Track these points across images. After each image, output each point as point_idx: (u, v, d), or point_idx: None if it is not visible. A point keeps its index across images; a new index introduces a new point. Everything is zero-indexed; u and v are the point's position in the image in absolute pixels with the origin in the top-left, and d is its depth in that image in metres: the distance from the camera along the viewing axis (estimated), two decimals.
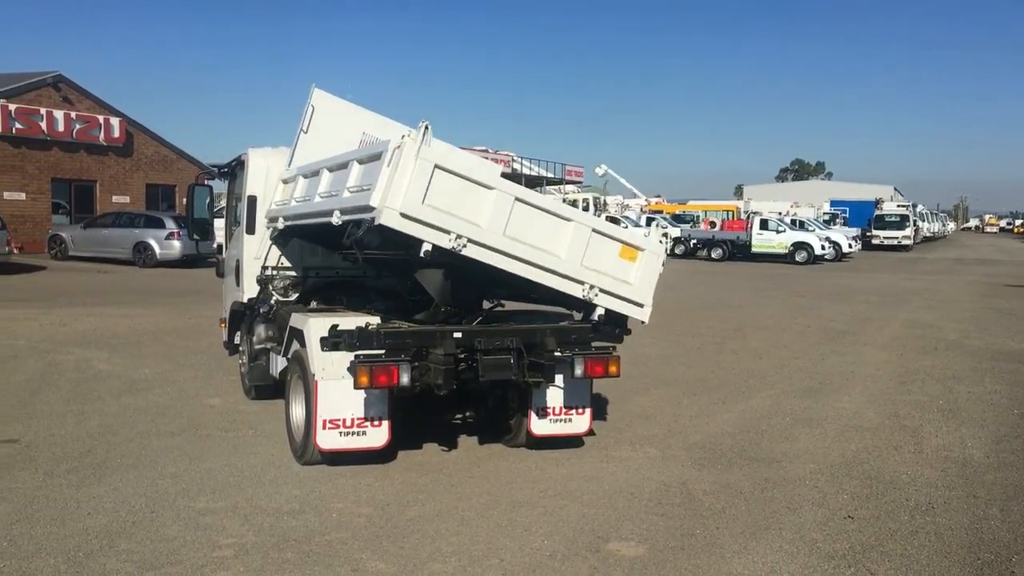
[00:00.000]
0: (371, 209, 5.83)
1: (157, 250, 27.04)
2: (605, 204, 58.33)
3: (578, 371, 6.87)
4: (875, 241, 52.52)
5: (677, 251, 41.30)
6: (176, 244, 26.85)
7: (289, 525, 5.75)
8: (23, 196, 31.44)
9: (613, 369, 6.98)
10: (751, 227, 39.29)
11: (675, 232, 42.01)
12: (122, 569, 4.98)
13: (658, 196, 76.60)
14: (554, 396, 7.39)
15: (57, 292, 20.32)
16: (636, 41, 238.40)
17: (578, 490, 6.65)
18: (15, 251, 28.77)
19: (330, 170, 7.12)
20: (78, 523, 5.68)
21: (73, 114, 32.68)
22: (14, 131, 30.76)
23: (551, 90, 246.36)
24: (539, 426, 7.42)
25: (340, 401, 6.69)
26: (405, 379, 6.30)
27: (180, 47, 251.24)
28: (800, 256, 38.15)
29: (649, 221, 44.36)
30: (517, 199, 6.29)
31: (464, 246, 6.06)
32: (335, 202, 6.62)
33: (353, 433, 6.79)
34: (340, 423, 6.74)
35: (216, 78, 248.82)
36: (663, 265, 7.06)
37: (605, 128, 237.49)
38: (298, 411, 7.20)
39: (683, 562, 5.38)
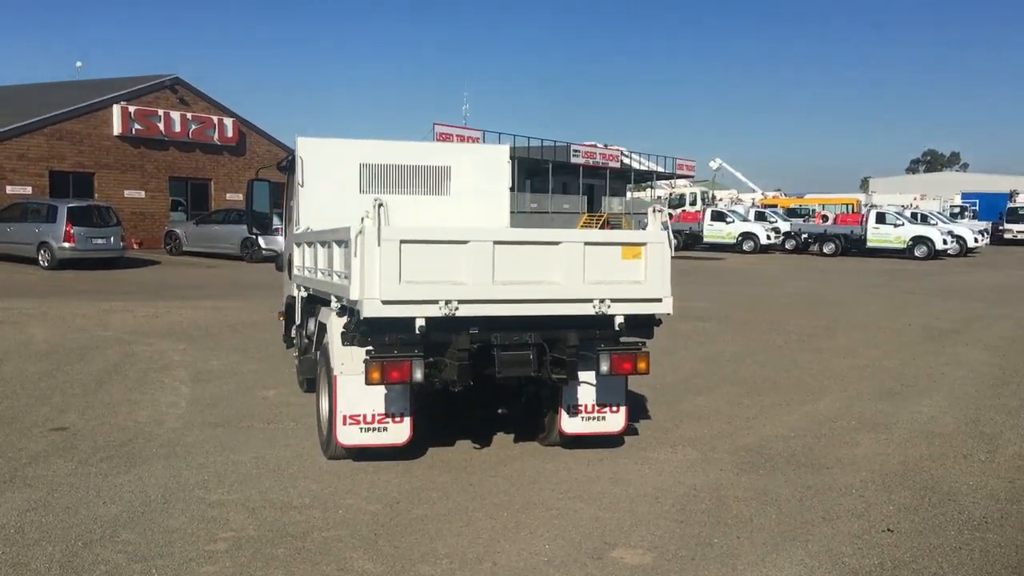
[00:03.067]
0: (355, 302, 6.00)
1: (263, 244, 27.76)
2: (714, 198, 56.99)
3: (604, 368, 6.58)
4: (1007, 236, 49.57)
5: (787, 246, 40.01)
6: (279, 239, 27.49)
7: (292, 520, 5.70)
8: (143, 194, 32.91)
9: (642, 365, 6.66)
10: (866, 221, 37.63)
11: (785, 227, 40.65)
12: (112, 560, 5.01)
13: (777, 190, 74.25)
14: (586, 393, 7.13)
15: (162, 286, 21.15)
16: (759, 29, 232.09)
17: (600, 493, 6.38)
18: (135, 246, 30.23)
19: (321, 244, 7.34)
20: (90, 511, 5.77)
21: (189, 115, 34.02)
22: (134, 132, 32.23)
23: (667, 82, 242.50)
24: (570, 424, 7.17)
25: (360, 397, 6.60)
26: (418, 375, 6.15)
27: (293, 48, 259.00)
28: (920, 251, 36.35)
29: (759, 216, 43.09)
30: (496, 243, 6.21)
31: (456, 309, 6.06)
32: (332, 287, 6.79)
33: (374, 429, 6.70)
34: (360, 419, 6.66)
35: (326, 77, 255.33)
36: (671, 249, 6.66)
37: (726, 121, 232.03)
38: (324, 405, 7.16)
39: (689, 573, 5.05)
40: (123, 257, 25.81)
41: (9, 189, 28.54)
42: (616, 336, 6.62)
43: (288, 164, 10.16)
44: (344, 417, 6.64)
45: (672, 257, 6.74)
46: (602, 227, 60.61)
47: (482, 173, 9.17)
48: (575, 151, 59.31)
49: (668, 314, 6.76)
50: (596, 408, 7.18)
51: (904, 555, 5.35)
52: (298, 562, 5.04)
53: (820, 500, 6.31)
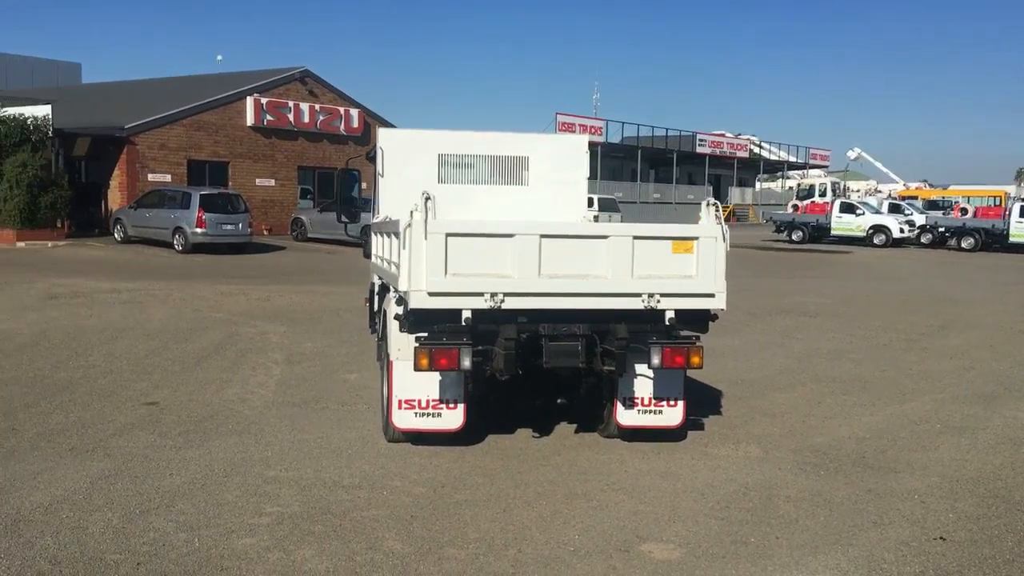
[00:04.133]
0: (404, 293, 6.19)
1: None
2: (845, 189, 54.91)
3: (655, 361, 6.51)
4: None
5: (923, 240, 38.18)
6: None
7: (338, 499, 5.91)
8: (272, 183, 34.29)
9: (695, 360, 6.56)
10: (1009, 214, 35.48)
11: (920, 220, 38.80)
12: (162, 528, 5.33)
13: (923, 181, 70.84)
14: (642, 386, 7.09)
15: (281, 271, 22.06)
16: (913, 11, 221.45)
17: (646, 486, 6.34)
18: (264, 232, 31.59)
19: (384, 235, 7.57)
20: (156, 482, 6.14)
21: (317, 106, 35.21)
22: (265, 123, 33.59)
23: (807, 68, 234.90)
24: (626, 416, 7.14)
25: (415, 382, 6.76)
26: (466, 363, 6.26)
27: (421, 39, 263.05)
28: None
29: (893, 208, 41.30)
30: (542, 236, 6.23)
31: (502, 302, 6.15)
32: (390, 277, 7.00)
33: (428, 414, 6.85)
34: (416, 403, 6.83)
35: (453, 67, 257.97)
36: (726, 243, 6.50)
37: (868, 109, 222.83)
38: (385, 390, 7.37)
39: (714, 571, 4.99)
40: (250, 242, 27.00)
41: (151, 177, 30.24)
42: (668, 330, 6.55)
43: (373, 154, 10.45)
44: (399, 401, 6.83)
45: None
46: (727, 218, 59.43)
47: (560, 163, 9.18)
48: (701, 140, 58.37)
49: (722, 309, 6.62)
50: (653, 401, 7.13)
51: (949, 564, 5.13)
52: (331, 539, 5.24)
53: (876, 504, 6.09)
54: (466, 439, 7.13)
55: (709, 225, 6.55)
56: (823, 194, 48.19)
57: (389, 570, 4.87)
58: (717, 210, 6.65)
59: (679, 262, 6.45)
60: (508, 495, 6.09)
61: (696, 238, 6.46)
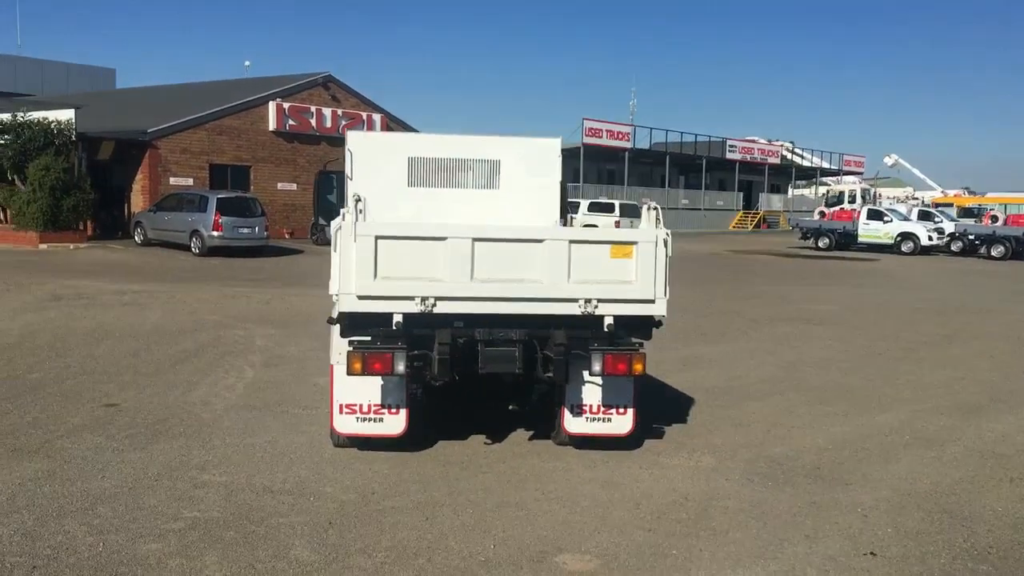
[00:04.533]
0: (334, 296, 6.11)
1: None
2: (877, 196, 54.04)
3: (596, 368, 6.39)
4: None
5: (954, 248, 37.44)
6: None
7: (262, 504, 5.84)
8: (294, 187, 34.48)
9: (638, 367, 6.42)
10: None
11: (950, 227, 38.03)
12: (73, 531, 5.30)
13: (964, 188, 69.54)
14: (591, 393, 6.94)
15: (292, 274, 22.13)
16: (957, 10, 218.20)
17: (583, 495, 6.20)
18: (286, 236, 31.81)
19: None
20: (85, 485, 6.12)
21: (339, 111, 35.38)
22: (288, 127, 33.81)
23: (846, 75, 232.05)
24: (574, 424, 7.01)
25: (356, 386, 6.69)
26: (400, 367, 6.18)
27: (447, 45, 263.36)
28: None
29: (922, 215, 40.56)
30: (475, 240, 6.14)
31: (433, 306, 6.07)
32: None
33: (370, 419, 6.78)
34: (357, 408, 6.75)
35: (480, 73, 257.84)
36: (667, 248, 6.35)
37: (907, 115, 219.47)
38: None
39: None
40: (267, 246, 27.16)
41: (172, 181, 30.56)
42: (611, 337, 6.41)
43: None
44: (340, 406, 6.76)
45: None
46: (757, 225, 58.83)
47: (532, 167, 9.05)
48: (731, 146, 57.88)
49: (663, 316, 6.47)
50: (602, 409, 6.98)
51: None
52: (239, 546, 5.17)
53: (815, 517, 5.90)
54: (414, 445, 7.04)
55: (648, 230, 6.41)
56: (852, 200, 47.48)
57: None
58: (658, 214, 6.50)
59: (618, 267, 6.32)
60: (438, 503, 5.98)
61: (635, 243, 6.32)
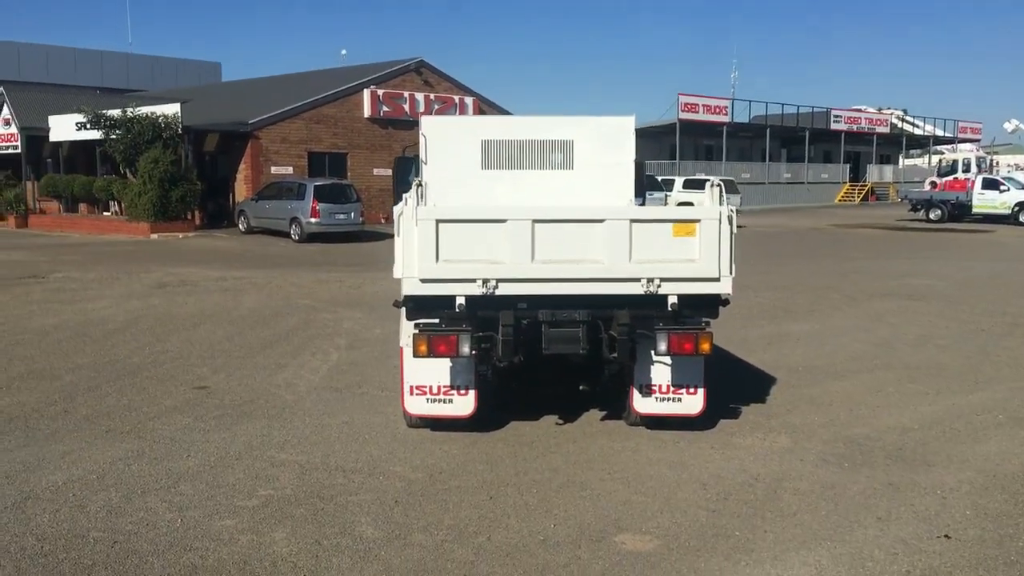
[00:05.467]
0: (399, 280, 6.19)
1: None
2: (993, 164, 51.45)
3: (661, 347, 6.33)
4: None
5: None
6: None
7: (333, 483, 6.01)
8: (390, 172, 35.02)
9: (705, 346, 6.33)
10: None
11: None
12: (154, 508, 5.55)
13: None
14: (660, 373, 6.89)
15: (385, 259, 22.45)
16: None
17: (649, 475, 6.17)
18: (383, 221, 32.37)
19: None
20: (171, 464, 6.41)
21: (432, 96, 35.74)
22: (382, 114, 34.37)
23: (963, 36, 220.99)
24: (643, 404, 6.96)
25: (426, 368, 6.79)
26: (465, 349, 6.25)
27: (535, 29, 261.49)
28: None
29: None
30: (535, 221, 6.14)
31: (495, 288, 6.12)
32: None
33: (439, 400, 6.88)
34: (427, 390, 6.86)
35: (569, 51, 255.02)
36: (732, 225, 6.22)
37: None
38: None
39: (683, 564, 4.82)
40: (363, 231, 27.72)
41: (274, 170, 31.46)
42: (676, 316, 6.33)
43: None
44: (411, 387, 6.88)
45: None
46: (865, 197, 56.88)
47: (606, 145, 8.98)
48: (836, 116, 56.09)
49: (728, 294, 6.35)
50: (671, 389, 6.92)
51: (941, 564, 4.78)
52: (307, 522, 5.34)
53: (890, 499, 5.72)
54: (485, 425, 7.13)
55: (712, 207, 6.30)
56: (967, 169, 45.32)
57: (350, 555, 4.93)
58: (722, 191, 6.38)
59: (681, 246, 6.23)
60: (503, 482, 6.04)
61: (698, 220, 6.22)
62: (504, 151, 8.97)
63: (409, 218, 6.07)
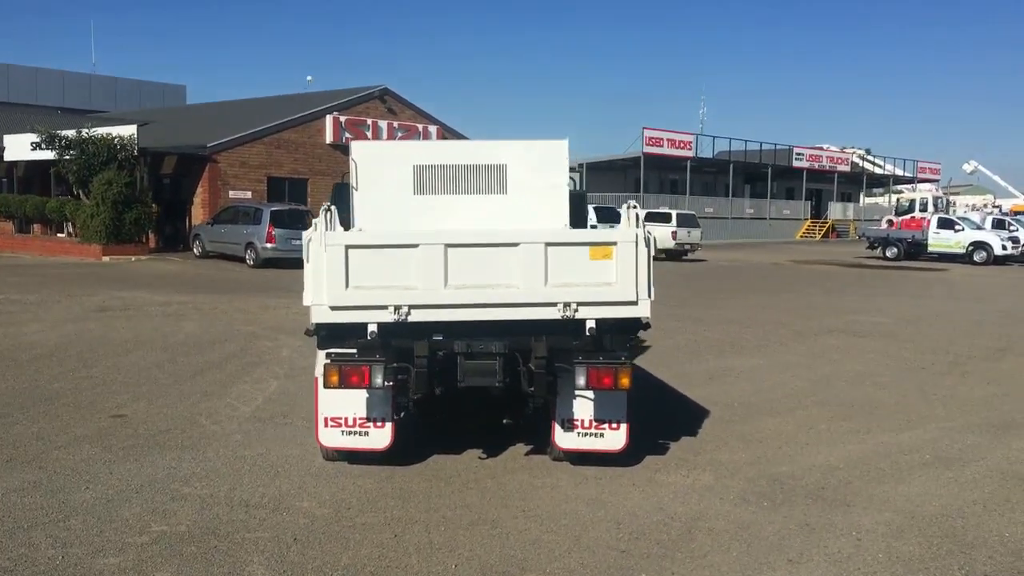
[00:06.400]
0: (308, 307, 6.02)
1: None
2: (949, 204, 52.27)
3: (580, 381, 6.19)
4: None
5: None
6: None
7: (234, 518, 5.78)
8: None
9: (624, 381, 6.19)
10: None
11: (1023, 235, 36.58)
12: (38, 544, 5.29)
13: None
14: (582, 408, 6.74)
15: None
16: None
17: (563, 513, 6.00)
18: None
19: None
20: (66, 496, 6.14)
21: (396, 123, 35.72)
22: (344, 140, 34.23)
23: (924, 78, 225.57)
24: (565, 439, 6.80)
25: (341, 400, 6.61)
26: (378, 380, 6.07)
27: (508, 56, 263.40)
28: None
29: (997, 224, 39.13)
30: (448, 246, 6.01)
31: (408, 314, 5.96)
32: None
33: (355, 432, 6.68)
34: (342, 421, 6.67)
35: (535, 85, 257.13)
36: (649, 248, 6.14)
37: (992, 119, 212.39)
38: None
39: None
40: None
41: (232, 194, 31.20)
42: (596, 347, 6.20)
43: None
44: (325, 419, 6.68)
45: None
46: (826, 234, 57.48)
47: (539, 169, 8.88)
48: (798, 154, 56.74)
49: (648, 318, 6.24)
50: (594, 424, 6.77)
51: None
52: (196, 562, 5.10)
53: (804, 540, 5.59)
54: (405, 458, 6.94)
55: (628, 230, 6.20)
56: (923, 208, 46.01)
57: None
58: (638, 214, 6.30)
59: (598, 269, 6.12)
60: (412, 519, 5.85)
61: (614, 243, 6.12)
62: (437, 176, 8.84)
63: (317, 244, 5.91)
